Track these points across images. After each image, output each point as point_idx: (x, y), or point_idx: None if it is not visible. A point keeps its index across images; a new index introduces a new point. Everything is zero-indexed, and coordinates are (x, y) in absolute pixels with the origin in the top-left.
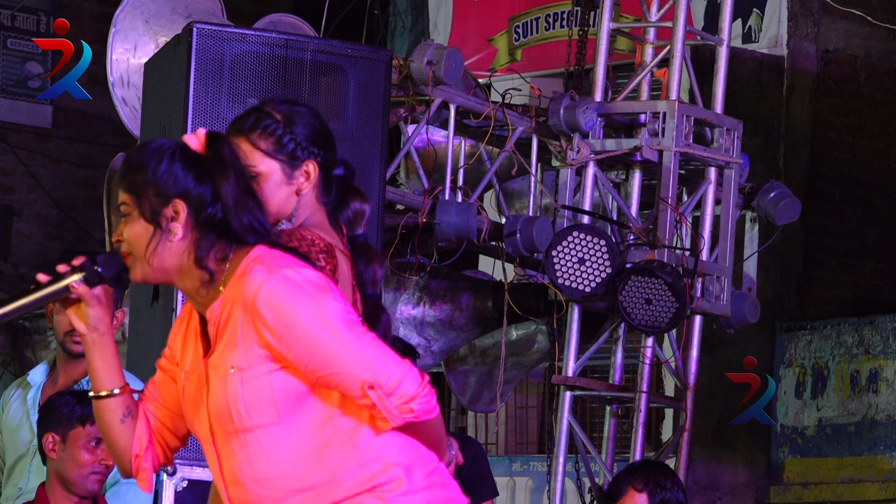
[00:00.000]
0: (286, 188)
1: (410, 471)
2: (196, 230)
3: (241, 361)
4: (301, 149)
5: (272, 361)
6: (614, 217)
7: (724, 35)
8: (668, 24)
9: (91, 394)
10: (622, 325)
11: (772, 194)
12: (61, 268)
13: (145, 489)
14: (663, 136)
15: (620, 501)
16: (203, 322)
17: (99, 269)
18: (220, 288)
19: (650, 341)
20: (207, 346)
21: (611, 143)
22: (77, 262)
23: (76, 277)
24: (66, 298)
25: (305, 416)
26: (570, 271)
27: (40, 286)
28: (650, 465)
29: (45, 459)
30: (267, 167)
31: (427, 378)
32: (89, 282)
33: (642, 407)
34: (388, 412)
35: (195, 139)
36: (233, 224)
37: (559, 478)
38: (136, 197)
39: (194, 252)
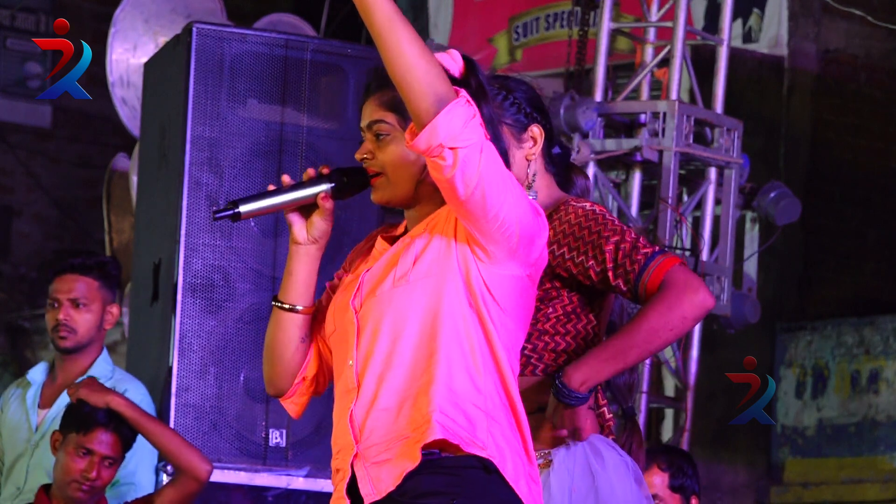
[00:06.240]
0: (517, 152)
1: None
2: None
3: None
4: (525, 113)
5: None
6: None
7: (724, 35)
8: (669, 24)
9: (286, 305)
10: None
11: (772, 194)
12: (310, 172)
13: (295, 414)
14: (663, 136)
15: None
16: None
17: (346, 182)
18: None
19: None
20: None
21: (611, 143)
22: (326, 171)
23: (326, 187)
24: (303, 206)
25: None
26: None
27: (285, 188)
28: (673, 450)
29: None
30: None
31: None
32: (334, 193)
33: (642, 407)
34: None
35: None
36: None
37: None
38: (401, 117)
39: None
